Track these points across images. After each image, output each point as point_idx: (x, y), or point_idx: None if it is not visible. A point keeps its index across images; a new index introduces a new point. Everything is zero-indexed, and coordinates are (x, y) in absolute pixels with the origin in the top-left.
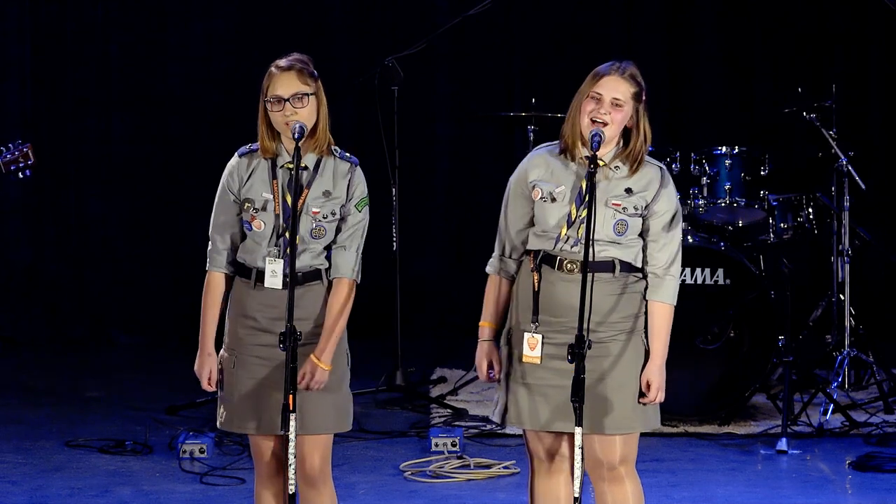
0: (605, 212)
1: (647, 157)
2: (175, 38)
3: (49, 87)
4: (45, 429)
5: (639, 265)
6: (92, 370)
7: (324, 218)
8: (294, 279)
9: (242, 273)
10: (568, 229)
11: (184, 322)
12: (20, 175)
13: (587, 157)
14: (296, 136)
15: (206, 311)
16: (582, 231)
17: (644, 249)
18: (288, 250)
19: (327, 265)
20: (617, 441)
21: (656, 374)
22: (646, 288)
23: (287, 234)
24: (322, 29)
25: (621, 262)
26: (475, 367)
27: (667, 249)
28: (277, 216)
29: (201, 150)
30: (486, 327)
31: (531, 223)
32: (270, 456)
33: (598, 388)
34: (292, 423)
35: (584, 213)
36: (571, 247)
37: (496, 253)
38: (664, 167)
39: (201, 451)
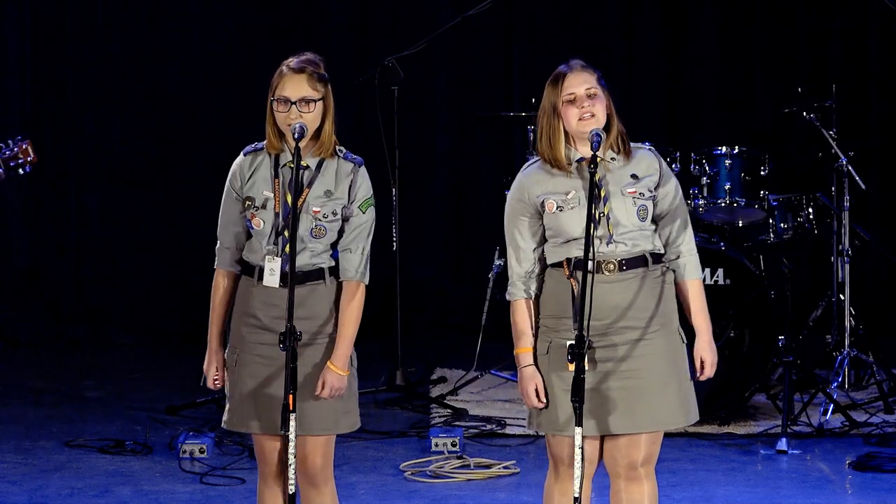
0: (625, 201)
1: (634, 143)
2: (175, 38)
3: (49, 87)
4: (45, 429)
5: (660, 251)
6: (92, 370)
7: (324, 217)
8: (294, 278)
9: (247, 271)
10: (595, 231)
11: (184, 322)
12: (20, 171)
13: (583, 159)
14: (296, 136)
15: (213, 309)
16: (611, 228)
17: (660, 233)
18: (286, 249)
19: (332, 264)
20: (643, 441)
21: (707, 349)
22: (666, 274)
23: (286, 233)
24: (322, 29)
25: (651, 254)
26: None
27: (680, 227)
28: (277, 214)
29: (201, 150)
30: (525, 353)
31: (543, 239)
32: (273, 456)
33: (631, 387)
34: (292, 423)
35: (607, 210)
36: (607, 245)
37: (514, 278)
38: (653, 147)
39: (201, 451)
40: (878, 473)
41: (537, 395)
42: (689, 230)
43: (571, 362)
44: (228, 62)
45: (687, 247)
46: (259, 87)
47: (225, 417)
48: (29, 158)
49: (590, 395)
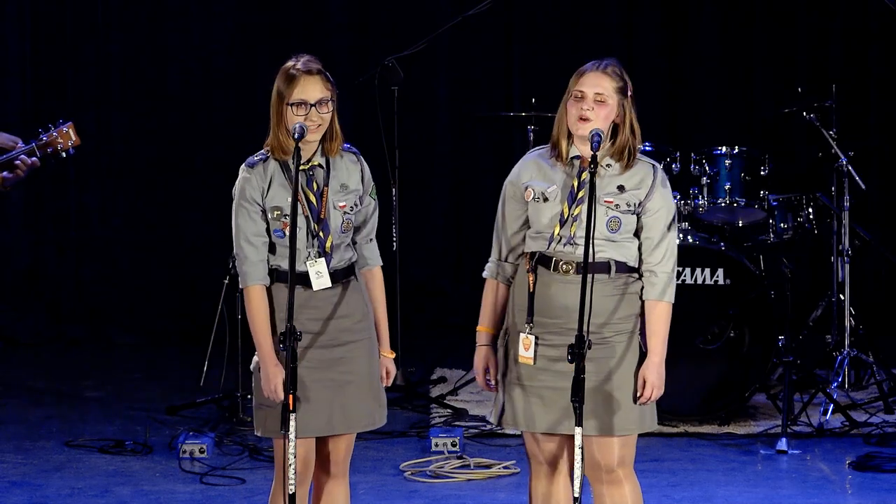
0: (598, 209)
1: (640, 155)
2: (175, 38)
3: (49, 87)
4: (45, 429)
5: (636, 265)
6: (92, 370)
7: (350, 210)
8: (294, 279)
9: (280, 280)
10: (560, 228)
11: (184, 322)
12: (62, 155)
13: (578, 157)
14: (296, 136)
15: (262, 324)
16: (574, 229)
17: (640, 249)
18: (327, 248)
19: (356, 257)
20: (615, 443)
21: (652, 372)
22: (634, 285)
23: (321, 234)
24: (322, 29)
25: (617, 262)
26: (474, 370)
27: (661, 247)
28: (307, 218)
29: (201, 150)
30: (483, 332)
31: (526, 225)
32: (311, 457)
33: (596, 391)
34: (292, 423)
35: (577, 212)
36: (564, 246)
37: (493, 257)
38: (658, 165)
39: (201, 451)
40: (878, 473)
41: (487, 376)
42: (671, 254)
43: (571, 362)
44: (228, 62)
45: (662, 268)
46: (259, 87)
47: (266, 427)
48: (70, 142)
49: (543, 392)
